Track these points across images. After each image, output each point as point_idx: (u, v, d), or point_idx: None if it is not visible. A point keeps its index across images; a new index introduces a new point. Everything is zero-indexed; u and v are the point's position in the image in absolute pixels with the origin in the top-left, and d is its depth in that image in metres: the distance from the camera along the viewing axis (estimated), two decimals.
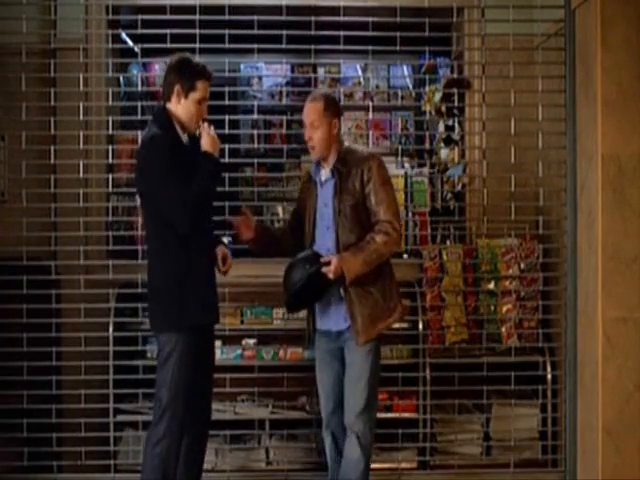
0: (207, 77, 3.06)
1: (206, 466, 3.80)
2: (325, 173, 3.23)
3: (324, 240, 3.20)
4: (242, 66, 4.63)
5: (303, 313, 3.37)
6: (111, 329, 3.80)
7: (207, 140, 3.03)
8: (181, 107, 3.03)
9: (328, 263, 3.04)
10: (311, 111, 3.18)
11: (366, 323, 3.11)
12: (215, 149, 3.05)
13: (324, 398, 3.27)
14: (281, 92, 4.51)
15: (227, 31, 3.75)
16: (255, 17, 3.78)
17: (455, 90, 4.13)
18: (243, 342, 3.96)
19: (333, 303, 3.18)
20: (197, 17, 3.76)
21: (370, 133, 4.52)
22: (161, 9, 3.78)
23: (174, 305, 2.99)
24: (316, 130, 3.17)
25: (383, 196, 3.16)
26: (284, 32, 3.78)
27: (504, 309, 3.92)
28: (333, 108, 3.20)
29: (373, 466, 3.92)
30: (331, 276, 3.03)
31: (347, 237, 3.14)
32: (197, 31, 3.75)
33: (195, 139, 3.12)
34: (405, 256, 4.11)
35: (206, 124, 3.08)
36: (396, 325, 3.91)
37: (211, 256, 3.14)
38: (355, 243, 3.12)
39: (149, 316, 3.13)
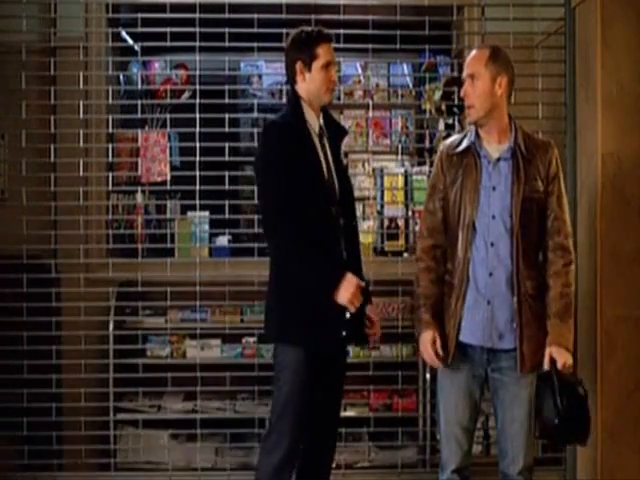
0: (326, 39, 2.79)
1: (206, 464, 3.83)
2: (496, 149, 2.55)
3: (488, 235, 2.53)
4: (242, 64, 4.61)
5: None
6: (111, 327, 3.80)
7: (344, 291, 2.61)
8: (307, 83, 2.79)
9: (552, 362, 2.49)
10: (473, 60, 2.60)
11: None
12: (345, 301, 2.62)
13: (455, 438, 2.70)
14: (281, 91, 4.48)
15: (227, 29, 3.74)
16: (255, 15, 3.77)
17: (455, 88, 4.12)
18: (243, 340, 3.96)
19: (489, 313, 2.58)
20: (197, 15, 3.75)
21: (370, 131, 4.52)
22: (161, 7, 3.77)
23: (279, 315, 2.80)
24: (475, 82, 2.57)
25: (565, 208, 2.59)
26: (284, 30, 3.78)
27: None
28: (502, 63, 2.62)
29: (373, 465, 3.95)
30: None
31: (528, 243, 2.51)
32: (197, 29, 3.75)
33: (329, 119, 2.88)
34: (405, 254, 4.11)
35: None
36: (396, 324, 3.94)
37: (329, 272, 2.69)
38: (531, 251, 2.51)
39: None
